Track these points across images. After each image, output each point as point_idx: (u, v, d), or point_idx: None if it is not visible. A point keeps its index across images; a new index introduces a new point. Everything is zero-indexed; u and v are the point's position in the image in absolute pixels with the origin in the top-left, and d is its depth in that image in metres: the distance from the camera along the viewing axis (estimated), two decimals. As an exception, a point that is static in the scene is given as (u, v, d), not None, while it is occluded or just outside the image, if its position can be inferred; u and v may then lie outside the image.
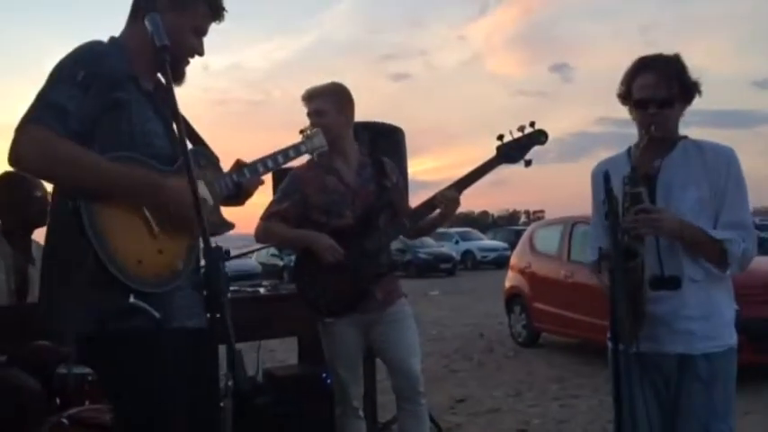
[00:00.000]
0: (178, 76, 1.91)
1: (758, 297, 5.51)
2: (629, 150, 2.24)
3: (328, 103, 2.88)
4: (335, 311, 2.87)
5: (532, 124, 2.66)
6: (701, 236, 2.05)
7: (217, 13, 1.94)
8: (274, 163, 2.15)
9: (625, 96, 2.19)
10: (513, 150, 2.67)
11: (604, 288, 2.07)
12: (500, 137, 2.68)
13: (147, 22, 1.68)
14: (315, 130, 2.37)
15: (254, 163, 2.07)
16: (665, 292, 2.06)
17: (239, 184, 2.01)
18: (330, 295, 2.86)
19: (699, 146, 2.16)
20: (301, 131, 2.39)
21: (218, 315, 1.40)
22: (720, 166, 2.10)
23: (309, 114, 2.90)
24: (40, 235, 3.46)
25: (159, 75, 1.92)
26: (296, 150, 2.24)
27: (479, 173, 2.73)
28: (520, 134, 2.66)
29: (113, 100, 1.73)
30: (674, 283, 2.06)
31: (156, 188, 1.73)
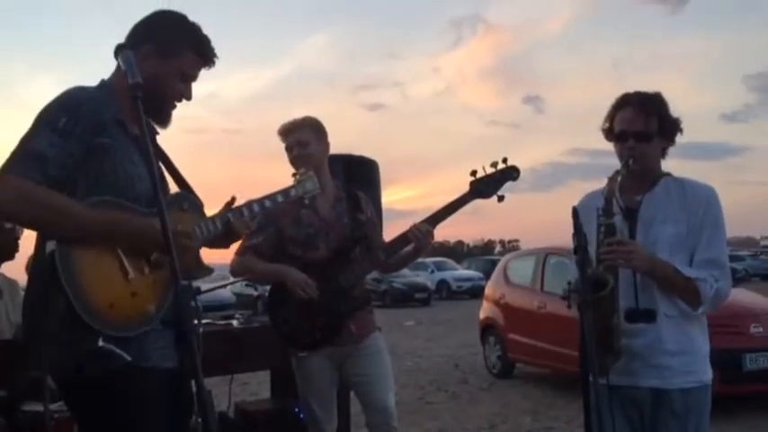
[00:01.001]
0: (163, 119, 1.93)
1: (726, 328, 5.58)
2: None
3: (310, 134, 2.90)
4: (309, 345, 2.85)
5: (505, 160, 2.70)
6: (673, 274, 2.07)
7: (206, 59, 1.94)
8: (261, 207, 2.12)
9: (608, 132, 2.24)
10: (487, 186, 2.70)
11: (578, 319, 2.08)
12: (473, 172, 2.70)
13: (120, 60, 1.69)
14: (308, 173, 2.31)
15: (240, 207, 2.05)
16: (641, 325, 2.09)
17: (228, 225, 1.99)
18: (304, 329, 2.84)
19: (681, 183, 2.19)
20: (294, 175, 2.31)
21: (187, 355, 1.38)
22: (700, 204, 2.13)
23: (290, 147, 2.90)
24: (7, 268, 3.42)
25: (147, 118, 1.93)
26: (285, 195, 2.20)
27: (452, 208, 2.75)
28: (493, 170, 2.69)
29: (98, 144, 1.74)
30: (648, 315, 2.09)
31: (131, 232, 1.73)
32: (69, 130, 1.71)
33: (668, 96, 2.21)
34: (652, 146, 2.16)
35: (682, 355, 2.10)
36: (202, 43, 1.92)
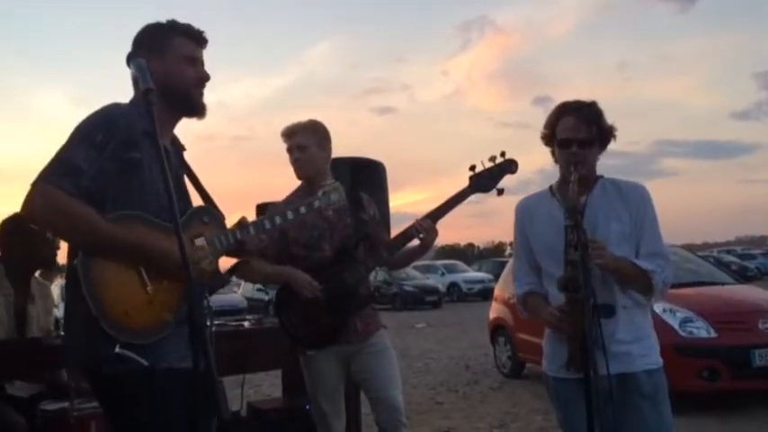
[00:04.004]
0: (196, 109, 2.01)
1: (735, 325, 5.58)
2: (550, 188, 2.41)
3: (309, 138, 2.96)
4: (316, 344, 2.91)
5: (503, 154, 2.75)
6: (633, 268, 2.22)
7: (194, 37, 2.02)
8: (283, 219, 2.15)
9: (548, 138, 2.37)
10: (486, 180, 2.76)
11: (548, 318, 2.29)
12: (472, 167, 2.76)
13: (132, 67, 1.77)
14: (335, 184, 2.33)
15: (262, 219, 2.11)
16: (601, 319, 2.17)
17: (241, 242, 2.04)
18: (311, 328, 2.90)
19: (616, 184, 2.36)
20: (320, 186, 2.30)
21: (200, 348, 1.45)
22: (638, 202, 2.31)
23: (290, 149, 2.97)
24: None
25: (185, 117, 2.02)
26: (309, 207, 2.21)
27: (453, 203, 2.80)
28: (491, 164, 2.75)
29: (128, 159, 1.83)
30: (608, 310, 2.21)
31: (148, 254, 1.80)
32: (104, 145, 1.80)
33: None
34: (593, 151, 2.31)
35: (637, 341, 2.26)
36: (183, 26, 2.01)
